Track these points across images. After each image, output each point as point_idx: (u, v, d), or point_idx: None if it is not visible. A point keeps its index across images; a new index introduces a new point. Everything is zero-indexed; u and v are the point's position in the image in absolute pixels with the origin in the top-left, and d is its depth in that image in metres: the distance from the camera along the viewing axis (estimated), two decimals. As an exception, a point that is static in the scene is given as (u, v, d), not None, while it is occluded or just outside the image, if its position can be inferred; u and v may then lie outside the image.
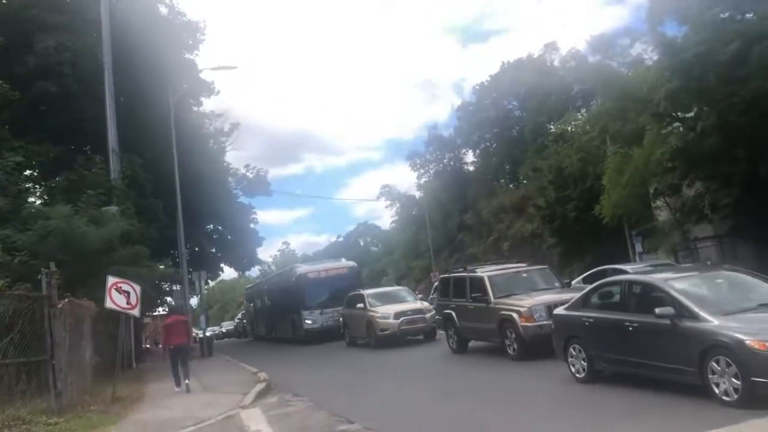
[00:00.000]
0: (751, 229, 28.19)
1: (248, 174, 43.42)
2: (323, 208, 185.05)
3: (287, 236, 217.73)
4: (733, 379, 7.29)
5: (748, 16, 26.04)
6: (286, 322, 30.03)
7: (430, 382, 12.94)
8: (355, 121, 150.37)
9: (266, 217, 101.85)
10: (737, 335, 7.31)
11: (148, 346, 41.74)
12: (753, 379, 7.03)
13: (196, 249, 37.89)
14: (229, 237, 42.28)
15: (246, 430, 9.93)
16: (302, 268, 29.78)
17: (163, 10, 29.96)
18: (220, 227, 42.15)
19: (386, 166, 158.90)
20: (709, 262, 29.26)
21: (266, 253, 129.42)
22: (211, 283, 64.77)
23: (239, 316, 57.76)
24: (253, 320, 42.12)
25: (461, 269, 17.19)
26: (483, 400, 10.36)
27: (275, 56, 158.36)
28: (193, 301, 37.45)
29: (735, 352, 7.25)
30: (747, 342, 7.16)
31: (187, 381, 14.68)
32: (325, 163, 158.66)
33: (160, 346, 19.00)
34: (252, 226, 43.76)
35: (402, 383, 13.47)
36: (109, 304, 13.92)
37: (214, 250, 41.03)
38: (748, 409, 7.03)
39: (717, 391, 7.51)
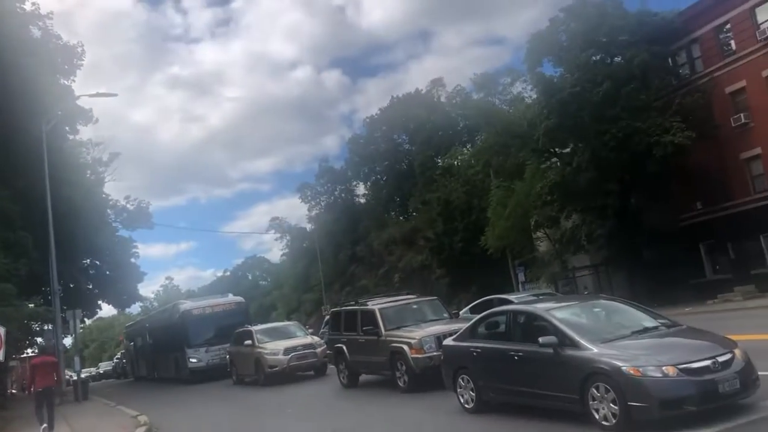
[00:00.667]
0: (623, 258, 30.13)
1: (128, 206, 41.63)
2: (209, 241, 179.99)
3: (171, 271, 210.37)
4: (611, 404, 7.57)
5: (617, 59, 28.17)
6: (169, 360, 28.69)
7: (320, 418, 12.65)
8: (243, 152, 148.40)
9: (148, 251, 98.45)
10: (614, 362, 7.62)
11: (14, 391, 38.63)
12: (629, 403, 7.33)
13: (71, 285, 35.61)
14: (107, 272, 40.12)
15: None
16: (186, 305, 28.63)
17: (36, 32, 28.33)
18: (97, 262, 39.96)
19: (275, 199, 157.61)
20: (586, 291, 30.97)
21: (148, 288, 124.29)
22: (88, 322, 61.09)
23: (118, 355, 54.74)
24: (133, 360, 39.96)
25: (352, 303, 17.08)
26: (373, 435, 10.24)
27: (162, 82, 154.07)
28: (68, 341, 35.08)
29: (613, 378, 7.54)
30: (623, 368, 7.47)
31: (46, 426, 13.59)
32: (211, 194, 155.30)
33: (27, 389, 17.64)
34: (132, 260, 41.85)
35: (291, 422, 13.09)
36: (-32, 348, 12.71)
37: (90, 286, 38.76)
38: (626, 432, 7.32)
39: (597, 416, 7.77)
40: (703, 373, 7.31)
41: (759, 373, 7.81)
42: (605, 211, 29.15)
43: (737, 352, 7.76)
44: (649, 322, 8.95)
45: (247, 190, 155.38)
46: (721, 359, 7.48)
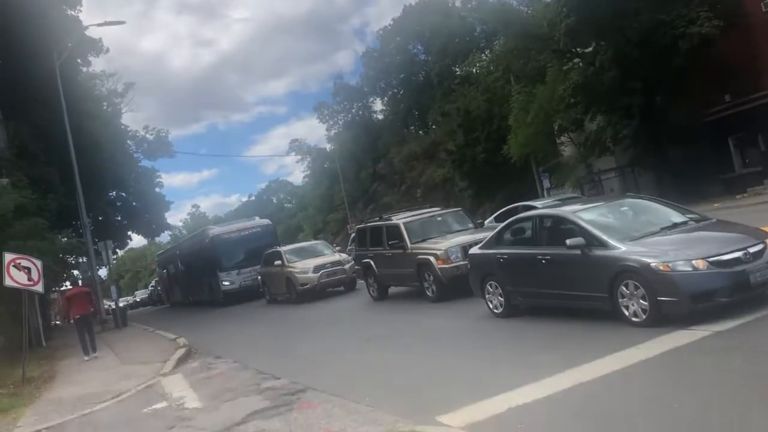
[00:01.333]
0: (649, 158, 29.62)
1: (148, 136, 41.71)
2: (230, 167, 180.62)
3: (195, 199, 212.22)
4: (641, 301, 7.60)
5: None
6: (203, 285, 29.42)
7: (354, 330, 12.98)
8: (257, 74, 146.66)
9: (172, 180, 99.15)
10: (643, 259, 7.60)
11: (57, 322, 40.08)
12: (659, 298, 7.35)
13: (100, 218, 36.33)
14: (134, 203, 40.69)
15: (169, 398, 9.63)
16: (215, 230, 29.10)
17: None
18: (123, 194, 40.45)
19: (293, 120, 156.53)
20: (612, 193, 30.60)
21: (175, 217, 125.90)
22: (120, 253, 62.58)
23: (153, 283, 56.25)
24: (167, 287, 41.06)
25: (377, 218, 17.18)
26: (406, 342, 10.48)
27: (169, 7, 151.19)
28: (103, 273, 36.09)
29: (642, 275, 7.54)
30: (652, 264, 7.45)
31: (95, 354, 15.68)
32: (228, 120, 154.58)
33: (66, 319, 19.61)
34: (157, 190, 42.32)
35: (325, 334, 13.45)
36: (8, 282, 13.07)
37: (119, 218, 39.41)
38: (656, 327, 7.38)
39: (627, 313, 7.82)
40: (734, 264, 7.26)
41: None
42: (630, 111, 28.43)
43: (768, 241, 7.67)
44: (677, 217, 8.85)
45: (264, 113, 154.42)
46: (752, 250, 7.40)
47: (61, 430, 8.79)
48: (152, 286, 54.85)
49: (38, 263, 13.76)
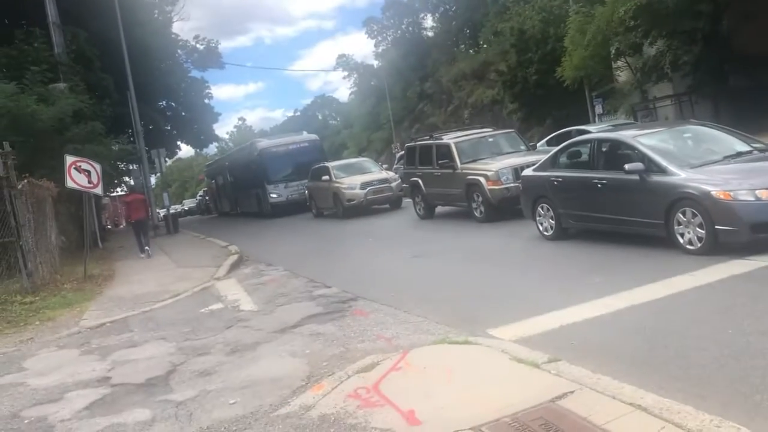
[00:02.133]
0: (709, 86, 28.49)
1: (198, 46, 41.73)
2: (276, 81, 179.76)
3: (241, 112, 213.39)
4: (697, 229, 7.55)
5: None
6: (251, 197, 29.98)
7: (401, 246, 13.19)
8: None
9: (218, 92, 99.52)
10: (704, 187, 7.50)
11: (109, 226, 41.55)
12: (717, 227, 7.30)
13: (151, 127, 36.87)
14: (183, 113, 41.17)
15: (224, 300, 10.07)
16: (264, 143, 29.37)
17: None
18: (173, 103, 40.90)
19: (340, 36, 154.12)
20: (667, 121, 29.66)
21: (222, 129, 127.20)
22: (168, 162, 63.83)
23: (201, 193, 57.47)
24: (215, 197, 41.94)
25: (427, 137, 17.10)
26: (454, 258, 10.65)
27: None
28: (152, 180, 36.96)
29: (701, 203, 7.46)
30: (713, 193, 7.35)
31: (147, 248, 17.74)
32: (275, 34, 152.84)
33: (123, 221, 22.06)
34: (206, 101, 42.67)
35: (373, 249, 13.73)
36: (69, 183, 13.58)
37: (169, 128, 40.00)
38: (710, 255, 7.36)
39: (681, 240, 7.80)
40: (799, 196, 7.12)
41: None
42: (694, 35, 27.16)
43: (836, 174, 7.47)
44: (741, 146, 8.65)
45: (311, 28, 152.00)
46: (819, 182, 7.23)
47: (124, 324, 9.28)
48: (200, 196, 56.07)
49: (97, 166, 14.21)
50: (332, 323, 7.44)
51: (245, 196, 31.48)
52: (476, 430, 3.97)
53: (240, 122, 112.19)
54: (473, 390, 4.60)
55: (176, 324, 8.76)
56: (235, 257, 14.65)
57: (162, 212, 29.25)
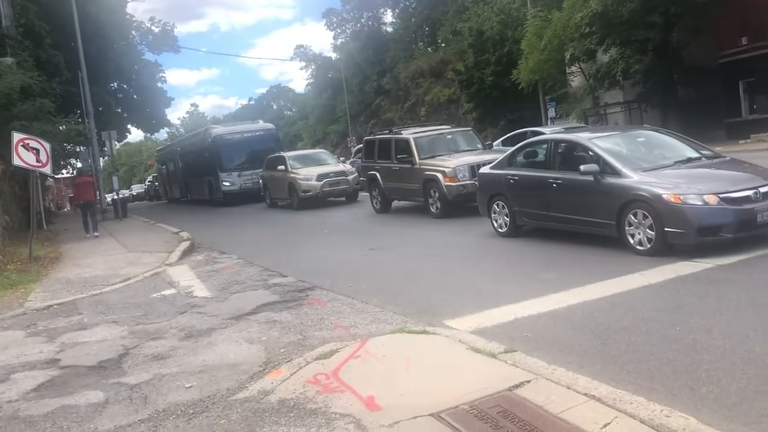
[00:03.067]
0: (658, 96, 29.40)
1: (153, 28, 40.82)
2: (230, 69, 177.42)
3: (193, 98, 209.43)
4: (647, 230, 7.81)
5: None
6: (203, 184, 29.56)
7: (357, 238, 13.23)
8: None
9: (171, 76, 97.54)
10: (655, 190, 7.76)
11: (53, 209, 40.31)
12: (666, 229, 7.56)
13: (101, 108, 35.90)
14: (135, 96, 40.23)
15: (177, 286, 9.92)
16: (218, 129, 28.98)
17: None
18: (125, 85, 39.94)
19: (298, 26, 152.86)
20: (617, 126, 30.41)
21: (173, 115, 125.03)
22: (117, 145, 62.28)
23: (150, 178, 56.30)
24: (165, 183, 41.18)
25: (386, 131, 17.17)
26: (410, 252, 10.74)
27: None
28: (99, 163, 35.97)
29: (652, 206, 7.71)
30: (664, 196, 7.61)
31: (96, 233, 18.21)
32: (231, 20, 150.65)
33: (69, 204, 23.03)
34: (159, 85, 41.77)
35: (329, 240, 13.71)
36: (16, 161, 13.14)
37: (120, 110, 39.00)
38: (659, 256, 7.62)
39: (632, 241, 8.05)
40: (743, 202, 7.44)
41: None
42: (645, 45, 27.98)
43: (779, 183, 7.83)
44: (691, 152, 8.99)
45: (268, 16, 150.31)
46: (762, 189, 7.56)
47: (72, 306, 9.06)
48: (149, 181, 54.95)
49: (47, 145, 13.79)
50: (289, 311, 7.43)
51: (197, 183, 31.00)
52: (436, 416, 4.04)
53: (192, 108, 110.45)
54: (432, 378, 4.68)
55: (127, 308, 8.60)
56: (186, 244, 14.44)
57: (110, 197, 28.53)
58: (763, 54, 27.39)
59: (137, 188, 62.06)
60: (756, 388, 4.05)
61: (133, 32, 38.94)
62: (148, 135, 60.35)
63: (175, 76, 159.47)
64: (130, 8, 39.44)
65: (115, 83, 38.50)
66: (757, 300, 5.77)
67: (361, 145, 20.46)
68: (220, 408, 4.66)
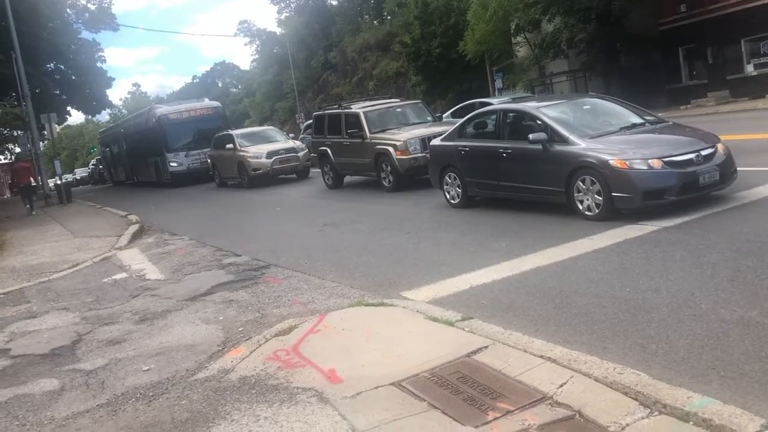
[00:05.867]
0: (602, 64, 29.93)
1: (90, 6, 39.22)
2: (171, 47, 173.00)
3: (134, 78, 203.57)
4: (596, 196, 7.99)
5: None
6: (149, 166, 28.92)
7: (311, 215, 13.17)
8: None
9: (111, 56, 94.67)
10: (602, 156, 7.92)
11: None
12: (613, 194, 7.75)
13: (38, 91, 34.58)
14: (73, 77, 38.80)
15: (128, 270, 9.73)
16: (163, 109, 28.26)
17: None
18: (62, 66, 38.49)
19: (239, 1, 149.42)
20: (562, 95, 30.89)
21: (115, 95, 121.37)
22: (57, 129, 60.25)
23: (93, 161, 54.77)
24: (110, 166, 40.15)
25: (336, 106, 17.03)
26: (365, 226, 10.75)
27: None
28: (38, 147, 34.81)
29: (599, 171, 7.88)
30: (610, 161, 7.78)
31: (33, 212, 20.75)
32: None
33: (8, 191, 25.02)
34: (99, 65, 40.41)
35: (282, 218, 13.63)
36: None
37: (58, 92, 37.60)
38: (607, 221, 7.82)
39: (581, 207, 8.23)
40: (686, 165, 7.66)
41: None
42: (588, 14, 28.39)
43: (719, 146, 8.09)
44: (635, 118, 9.19)
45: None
46: (704, 153, 7.81)
47: (20, 295, 8.83)
48: (93, 165, 53.45)
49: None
50: (245, 290, 7.39)
51: (143, 164, 30.30)
52: (397, 385, 4.10)
53: (134, 89, 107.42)
54: (392, 348, 4.73)
55: (78, 294, 8.42)
56: (136, 227, 14.15)
57: (53, 182, 27.65)
58: (701, 20, 28.12)
59: (81, 172, 60.33)
60: (702, 343, 4.22)
61: (68, 10, 37.45)
62: (90, 117, 58.59)
63: (115, 56, 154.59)
64: (63, -16, 37.79)
65: (52, 64, 37.07)
66: (701, 259, 5.99)
67: (311, 121, 20.26)
68: (180, 389, 4.63)
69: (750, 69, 27.04)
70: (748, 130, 14.95)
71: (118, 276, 9.39)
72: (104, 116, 71.31)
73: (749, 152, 10.65)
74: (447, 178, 10.88)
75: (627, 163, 7.68)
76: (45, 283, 9.48)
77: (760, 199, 7.95)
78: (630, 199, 7.68)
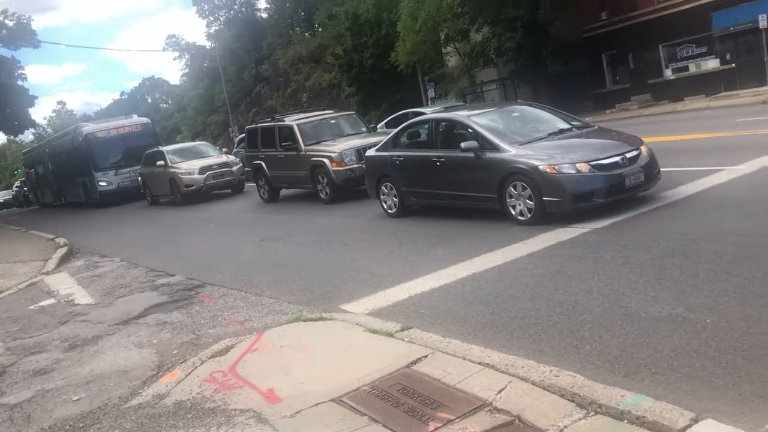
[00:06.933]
0: (530, 72, 30.72)
1: (7, 22, 37.65)
2: (96, 63, 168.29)
3: (58, 96, 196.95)
4: (527, 201, 8.15)
5: None
6: (77, 186, 27.93)
7: (247, 230, 12.98)
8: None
9: (33, 73, 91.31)
10: (532, 161, 8.09)
11: None
12: (544, 198, 7.92)
13: (-47, 111, 33.14)
14: (-8, 96, 37.19)
15: (56, 295, 9.35)
16: (89, 127, 27.35)
17: None
18: (-21, 85, 36.80)
19: (164, 15, 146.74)
20: (493, 103, 31.51)
21: (38, 114, 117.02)
22: (-22, 151, 57.71)
23: (17, 183, 52.59)
24: (36, 187, 38.55)
25: (269, 119, 16.85)
26: (302, 240, 10.67)
27: None
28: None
29: (530, 177, 8.04)
30: (540, 167, 7.96)
31: None
32: (91, 11, 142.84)
33: None
34: (20, 83, 38.83)
35: (217, 235, 13.36)
36: None
37: (-24, 112, 36.01)
38: (540, 225, 7.98)
39: (514, 212, 8.37)
40: (613, 168, 7.90)
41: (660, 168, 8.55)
42: (515, 23, 29.16)
43: (643, 148, 8.38)
44: (563, 124, 9.44)
45: (131, 6, 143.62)
46: (629, 155, 8.07)
47: (-63, 329, 8.34)
48: (17, 187, 51.30)
49: None
50: (179, 311, 7.20)
51: (70, 185, 29.23)
52: (337, 401, 4.05)
53: (59, 107, 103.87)
54: (331, 363, 4.68)
55: (2, 323, 8.04)
56: (64, 250, 13.63)
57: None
58: (621, 27, 29.27)
59: (4, 195, 57.75)
60: (634, 341, 4.34)
61: (-16, 27, 35.92)
62: (12, 137, 56.28)
63: (37, 73, 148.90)
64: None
65: (-32, 83, 35.45)
66: (630, 258, 6.17)
67: (244, 135, 20.00)
68: (112, 417, 4.46)
69: (668, 73, 28.28)
70: (670, 132, 15.60)
71: (46, 302, 9.02)
72: (28, 136, 68.72)
73: (672, 153, 11.10)
74: (383, 188, 10.90)
75: (556, 167, 7.86)
76: (-35, 314, 9.00)
77: (683, 198, 8.27)
78: (560, 202, 7.86)
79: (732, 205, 7.63)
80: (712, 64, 26.72)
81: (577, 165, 7.83)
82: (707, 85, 25.97)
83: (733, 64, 25.70)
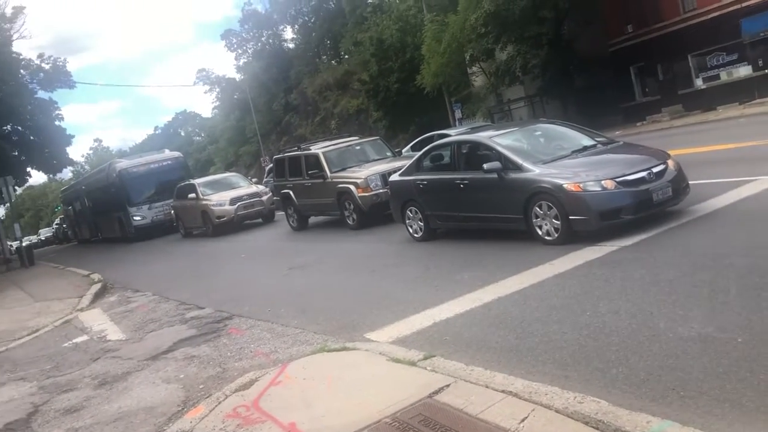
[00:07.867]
0: (557, 86, 30.52)
1: (44, 65, 38.86)
2: (131, 99, 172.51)
3: (95, 133, 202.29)
4: (553, 220, 8.03)
5: None
6: (112, 221, 28.49)
7: (276, 260, 13.03)
8: (154, 2, 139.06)
9: (70, 113, 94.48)
10: (556, 180, 7.98)
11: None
12: (570, 217, 7.79)
13: (-6, 154, 34.11)
14: (31, 138, 38.20)
15: (89, 332, 9.48)
16: (123, 163, 28.00)
17: None
18: (19, 127, 37.87)
19: (194, 50, 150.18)
20: (521, 121, 31.37)
21: (76, 152, 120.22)
22: (18, 190, 59.36)
23: (57, 221, 53.90)
24: (74, 224, 39.47)
25: (295, 148, 17.01)
26: (329, 267, 10.67)
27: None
28: (0, 211, 34.21)
29: (555, 196, 7.93)
30: (565, 185, 7.84)
31: None
32: (124, 50, 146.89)
33: None
34: (57, 123, 39.90)
35: (247, 265, 13.46)
36: None
37: (16, 153, 37.01)
38: (567, 244, 7.84)
39: (540, 232, 8.25)
40: (639, 184, 7.74)
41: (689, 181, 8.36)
42: (540, 40, 29.06)
43: (670, 162, 8.21)
44: (587, 141, 9.30)
45: (162, 43, 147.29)
46: (655, 170, 7.91)
47: (-24, 369, 8.51)
48: (57, 224, 52.57)
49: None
50: (207, 345, 7.22)
51: (106, 220, 29.85)
52: (358, 434, 3.99)
53: (96, 144, 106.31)
54: (353, 395, 4.63)
55: (37, 362, 8.15)
56: (98, 286, 13.85)
57: (14, 245, 27.07)
58: (648, 39, 28.96)
59: (45, 232, 59.25)
60: (661, 363, 4.20)
61: (22, 71, 37.06)
62: (52, 176, 57.83)
63: (74, 112, 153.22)
64: (17, 47, 37.56)
65: (9, 126, 36.53)
66: (659, 276, 6.01)
67: (272, 165, 20.22)
68: (136, 457, 4.46)
69: (699, 83, 27.81)
70: (701, 143, 15.28)
71: (79, 339, 9.14)
72: (67, 174, 70.48)
73: (701, 165, 10.86)
74: (408, 212, 10.87)
75: (581, 185, 7.74)
76: (2, 352, 9.18)
77: (712, 212, 8.06)
78: (587, 221, 7.72)
79: (765, 217, 7.40)
80: (744, 71, 26.21)
81: (603, 182, 7.70)
82: (740, 92, 25.45)
83: (766, 70, 25.18)
